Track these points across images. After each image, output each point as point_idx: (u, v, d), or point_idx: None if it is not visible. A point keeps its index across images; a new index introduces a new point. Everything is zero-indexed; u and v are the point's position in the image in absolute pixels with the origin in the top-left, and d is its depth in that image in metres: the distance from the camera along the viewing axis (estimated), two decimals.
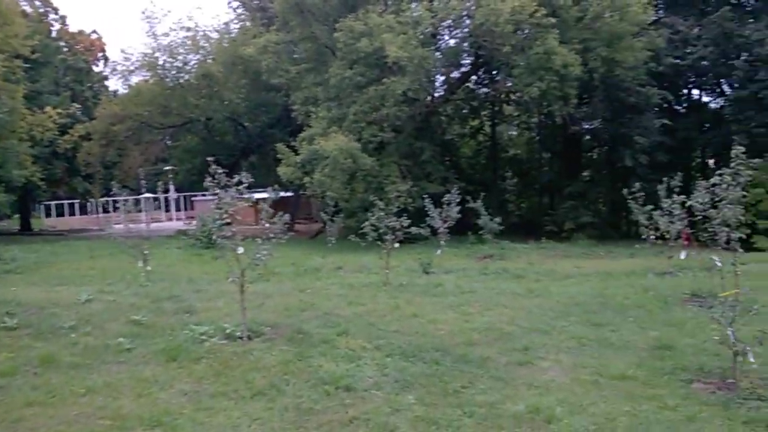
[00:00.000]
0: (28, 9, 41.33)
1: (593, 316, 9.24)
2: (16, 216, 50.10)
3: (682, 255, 14.03)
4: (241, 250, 8.00)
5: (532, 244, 23.70)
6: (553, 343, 7.82)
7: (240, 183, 7.92)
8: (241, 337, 7.82)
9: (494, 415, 5.41)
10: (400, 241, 13.94)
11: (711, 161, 14.13)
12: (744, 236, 12.76)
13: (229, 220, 8.06)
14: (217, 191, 7.96)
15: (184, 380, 6.33)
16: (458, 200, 17.82)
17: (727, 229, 9.24)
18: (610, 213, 30.24)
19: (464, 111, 34.01)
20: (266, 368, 6.64)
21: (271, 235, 8.25)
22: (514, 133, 37.94)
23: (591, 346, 7.68)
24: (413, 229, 15.59)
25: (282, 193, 30.53)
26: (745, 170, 7.08)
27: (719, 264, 8.36)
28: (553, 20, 21.91)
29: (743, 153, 8.13)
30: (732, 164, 7.02)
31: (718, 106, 28.63)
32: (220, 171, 7.84)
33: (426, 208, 17.71)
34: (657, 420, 5.31)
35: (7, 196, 31.45)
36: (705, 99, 29.34)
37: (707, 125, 28.00)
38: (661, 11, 27.42)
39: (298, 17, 27.42)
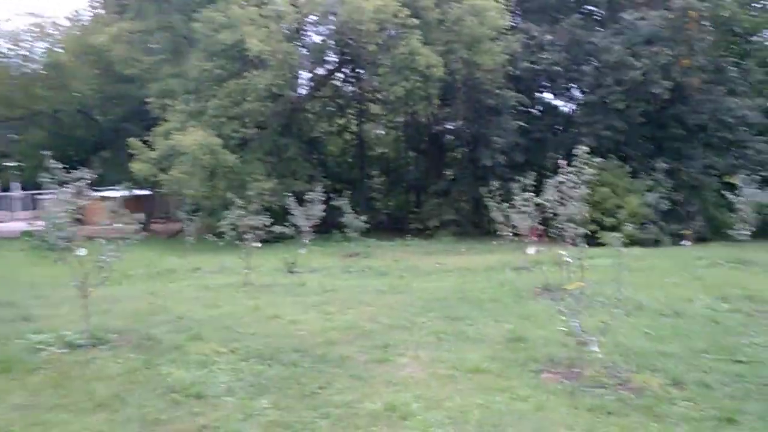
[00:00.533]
0: None
1: (452, 311, 9.39)
2: None
3: (531, 250, 14.72)
4: (82, 251, 7.38)
5: (398, 242, 24.05)
6: (413, 339, 7.84)
7: (80, 179, 7.30)
8: (83, 345, 7.22)
9: (350, 415, 5.28)
10: (263, 241, 13.58)
11: (562, 161, 15.05)
12: (589, 232, 13.63)
13: (71, 219, 7.42)
14: (56, 188, 7.30)
15: (17, 393, 5.76)
16: (323, 198, 17.68)
17: (572, 225, 9.78)
18: (472, 211, 31.28)
19: (331, 109, 33.89)
20: (110, 378, 6.17)
21: (120, 235, 7.68)
22: (381, 132, 38.33)
23: (449, 341, 7.77)
24: (277, 228, 15.31)
25: (137, 191, 29.08)
26: (588, 169, 7.42)
27: (568, 259, 8.78)
28: (416, 21, 22.27)
29: (589, 153, 8.61)
30: (576, 163, 7.34)
31: (570, 109, 30.40)
32: (58, 166, 7.19)
33: (290, 207, 17.45)
34: (509, 411, 5.39)
35: None
36: (557, 102, 31.06)
37: (560, 127, 29.64)
38: (518, 18, 28.67)
39: (153, 5, 26.11)
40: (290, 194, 18.18)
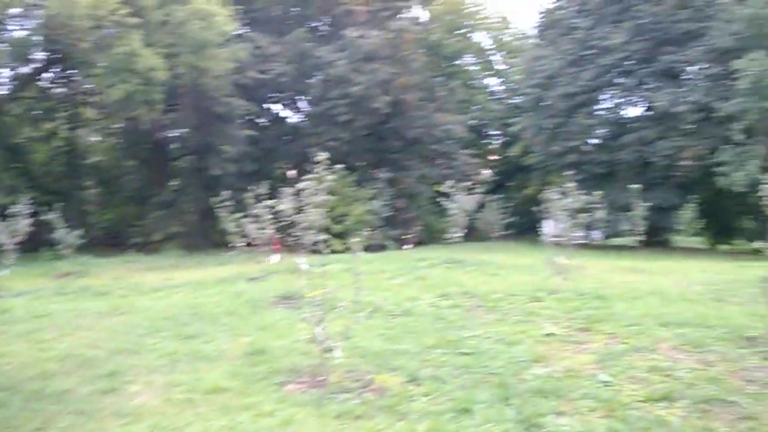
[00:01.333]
0: None
1: (185, 329, 8.77)
2: None
3: (273, 259, 14.59)
4: None
5: (118, 258, 22.27)
6: (143, 363, 7.11)
7: None
8: None
9: None
10: None
11: (289, 172, 15.17)
12: (324, 239, 13.87)
13: None
14: None
15: None
16: (30, 212, 15.57)
17: (312, 232, 9.79)
18: (200, 222, 30.21)
19: (36, 112, 30.24)
20: None
21: None
22: (97, 138, 35.22)
23: (184, 362, 7.18)
24: None
25: None
26: (329, 176, 7.45)
27: (306, 266, 8.73)
28: (137, 21, 20.81)
29: (318, 162, 8.66)
30: (316, 170, 7.31)
31: (298, 120, 31.05)
32: None
33: None
34: (255, 429, 5.10)
35: None
36: (286, 113, 31.55)
37: (289, 138, 30.06)
38: (246, 27, 28.47)
39: None
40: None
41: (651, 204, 19.45)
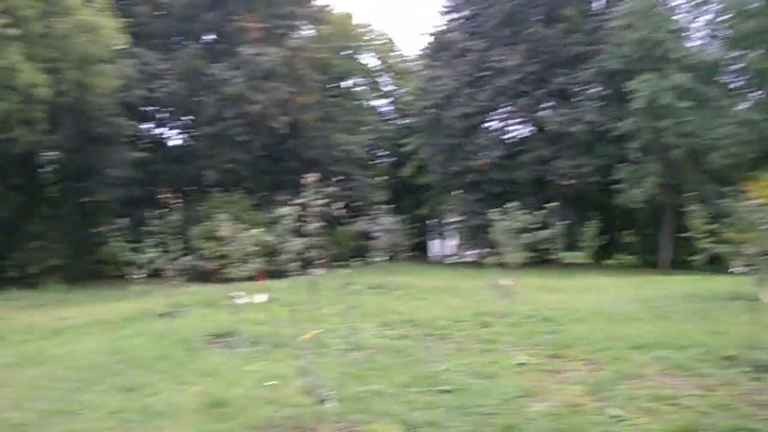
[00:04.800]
0: None
1: (121, 380, 7.75)
2: None
3: (258, 298, 13.16)
4: None
5: None
6: (89, 426, 6.11)
7: None
8: None
9: None
10: None
11: (170, 196, 14.31)
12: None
13: None
14: None
15: None
16: None
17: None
18: (79, 253, 27.99)
19: None
20: None
21: None
22: None
23: (137, 421, 6.26)
24: None
25: None
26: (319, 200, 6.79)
27: (243, 300, 8.04)
28: (15, 32, 18.90)
29: (213, 187, 8.01)
30: (306, 193, 6.68)
31: (190, 141, 29.56)
32: None
33: None
34: None
35: None
36: (175, 133, 29.96)
37: (178, 159, 28.56)
38: (133, 42, 26.85)
39: None
40: None
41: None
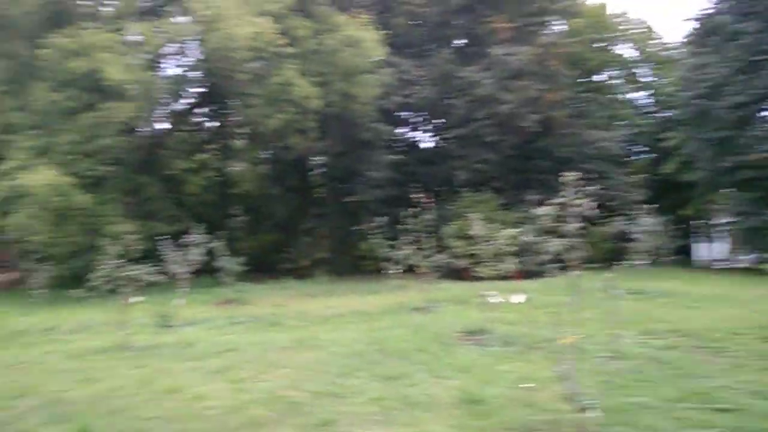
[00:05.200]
0: None
1: (380, 368, 8.21)
2: None
3: (515, 298, 13.44)
4: None
5: (271, 285, 22.49)
6: (352, 410, 6.56)
7: None
8: None
9: None
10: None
11: (423, 196, 14.66)
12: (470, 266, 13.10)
13: None
14: None
15: None
16: (203, 241, 15.92)
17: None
18: (341, 248, 30.38)
19: (191, 143, 31.76)
20: None
21: None
22: (243, 166, 36.49)
23: (397, 409, 6.57)
24: (145, 276, 13.37)
25: None
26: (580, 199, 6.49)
27: (497, 299, 7.98)
28: (292, 51, 21.21)
29: (463, 187, 7.86)
30: (565, 192, 6.45)
31: (442, 142, 30.53)
32: None
33: (159, 251, 15.50)
34: None
35: None
36: (428, 136, 31.18)
37: (430, 161, 29.66)
38: (390, 52, 28.52)
39: None
40: (159, 237, 16.24)
41: None
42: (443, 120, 29.04)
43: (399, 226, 14.33)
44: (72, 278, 18.17)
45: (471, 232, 14.19)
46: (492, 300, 10.88)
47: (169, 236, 16.35)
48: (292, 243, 30.07)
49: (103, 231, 19.61)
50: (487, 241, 11.76)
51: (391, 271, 14.46)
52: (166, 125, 28.21)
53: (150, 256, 15.86)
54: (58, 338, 12.84)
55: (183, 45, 23.53)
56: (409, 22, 29.91)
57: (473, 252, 22.47)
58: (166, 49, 23.62)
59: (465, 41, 30.00)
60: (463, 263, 20.05)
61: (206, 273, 20.09)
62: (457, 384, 7.38)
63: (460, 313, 12.75)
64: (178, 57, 25.10)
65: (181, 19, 22.83)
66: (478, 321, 10.85)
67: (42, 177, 19.10)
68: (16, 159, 20.63)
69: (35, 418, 6.30)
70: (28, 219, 19.39)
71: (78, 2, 23.68)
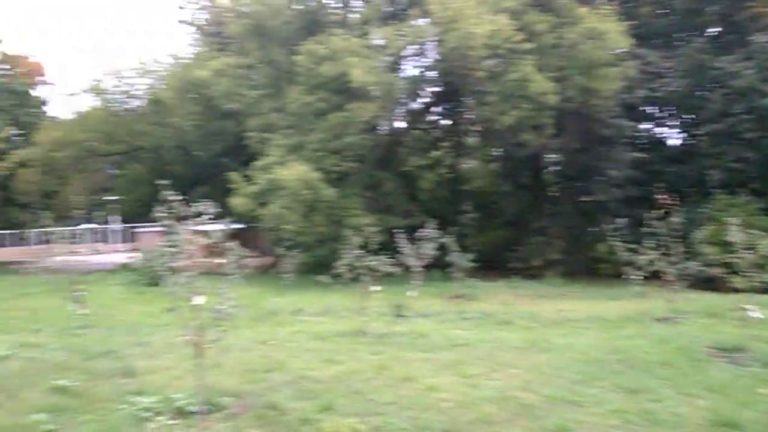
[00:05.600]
0: None
1: (621, 379, 7.71)
2: None
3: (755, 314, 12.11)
4: (199, 300, 6.25)
5: (501, 282, 22.38)
6: (590, 420, 6.24)
7: (200, 214, 6.24)
8: (195, 413, 6.05)
9: None
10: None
11: (667, 197, 13.34)
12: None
13: (180, 256, 6.35)
14: (170, 223, 6.25)
15: None
16: (436, 236, 16.36)
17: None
18: (575, 249, 29.24)
19: (425, 141, 32.84)
20: None
21: (231, 273, 6.57)
22: (474, 163, 36.86)
23: (640, 425, 6.12)
24: (383, 267, 14.07)
25: (234, 226, 28.65)
26: None
27: (757, 314, 7.06)
28: (529, 46, 20.93)
29: (715, 188, 6.92)
30: None
31: (691, 139, 28.08)
32: (175, 198, 6.16)
33: (396, 244, 16.18)
34: None
35: None
36: (676, 132, 28.85)
37: (677, 159, 27.40)
38: (634, 44, 26.91)
39: (256, 40, 25.87)
40: (396, 230, 16.99)
41: None
42: (693, 115, 26.58)
43: (642, 229, 13.38)
44: (317, 265, 19.79)
45: (728, 239, 12.76)
46: (752, 315, 9.66)
47: (403, 230, 17.04)
48: (522, 242, 29.63)
49: (346, 223, 21.11)
50: (747, 248, 10.47)
51: (632, 277, 13.54)
52: (403, 124, 29.46)
53: (386, 248, 16.70)
54: (305, 319, 14.07)
55: (422, 46, 24.38)
56: (657, 11, 27.93)
57: (729, 260, 20.29)
58: (406, 51, 24.67)
59: (720, 29, 27.21)
60: (716, 272, 18.19)
61: (437, 267, 20.63)
62: (707, 404, 6.70)
63: (711, 327, 11.60)
64: (416, 58, 26.09)
65: (420, 21, 23.68)
66: (733, 337, 9.76)
67: (294, 172, 21.07)
68: (273, 155, 23.01)
69: (284, 393, 6.88)
70: (281, 209, 21.53)
71: (329, 11, 25.72)
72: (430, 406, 6.63)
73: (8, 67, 47.50)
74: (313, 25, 24.52)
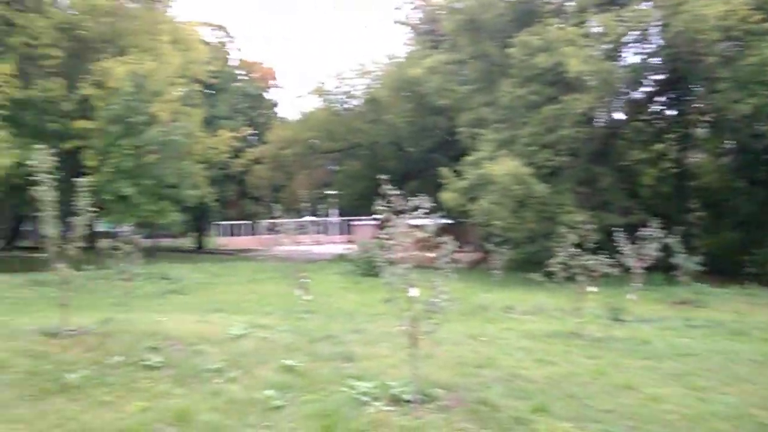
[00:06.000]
0: (208, 38, 43.90)
1: None
2: (193, 234, 53.15)
3: None
4: (415, 292, 6.44)
5: (733, 289, 20.28)
6: None
7: (416, 208, 6.42)
8: (410, 402, 6.23)
9: None
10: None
11: None
12: None
13: (400, 254, 6.57)
14: (388, 216, 6.51)
15: None
16: (659, 236, 15.27)
17: None
18: None
19: (647, 133, 30.66)
20: None
21: (443, 267, 6.64)
22: (702, 157, 33.76)
23: None
24: (600, 267, 13.40)
25: (444, 221, 29.18)
26: None
27: None
28: None
29: None
30: None
31: None
32: (393, 192, 6.40)
33: (613, 243, 15.34)
34: None
35: (181, 215, 32.70)
36: None
37: None
38: None
39: (468, 35, 26.00)
40: (617, 228, 16.13)
41: None
42: None
43: None
44: (526, 262, 19.45)
45: None
46: None
47: (622, 228, 16.10)
48: (758, 244, 26.54)
49: (558, 219, 20.46)
50: None
51: None
52: (622, 115, 27.85)
53: (603, 247, 15.87)
54: (515, 317, 13.88)
55: (644, 32, 22.83)
56: None
57: None
58: (627, 38, 23.26)
59: None
60: None
61: (660, 270, 19.24)
62: None
63: None
64: (638, 45, 24.49)
65: (643, 5, 22.20)
66: None
67: (505, 167, 20.87)
68: (484, 150, 22.97)
69: (495, 390, 6.81)
70: (491, 205, 21.45)
71: (544, 0, 25.05)
72: (654, 418, 6.19)
73: (245, 72, 52.91)
74: (527, 15, 24.02)
